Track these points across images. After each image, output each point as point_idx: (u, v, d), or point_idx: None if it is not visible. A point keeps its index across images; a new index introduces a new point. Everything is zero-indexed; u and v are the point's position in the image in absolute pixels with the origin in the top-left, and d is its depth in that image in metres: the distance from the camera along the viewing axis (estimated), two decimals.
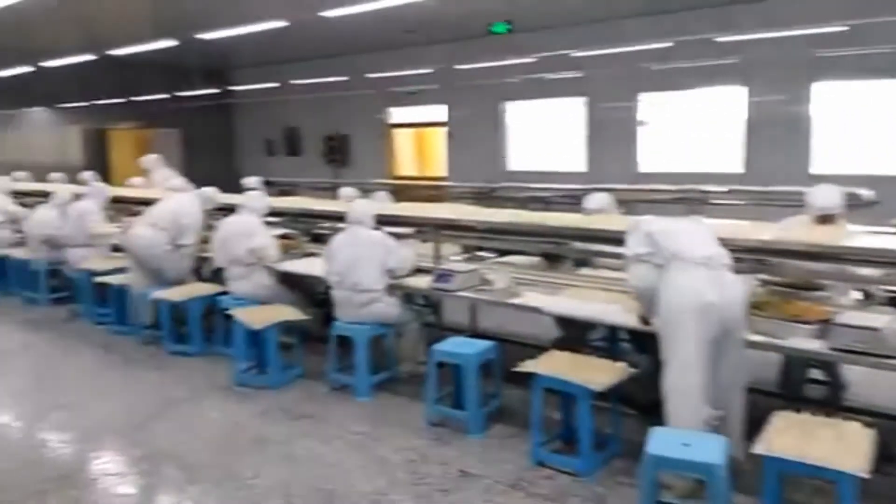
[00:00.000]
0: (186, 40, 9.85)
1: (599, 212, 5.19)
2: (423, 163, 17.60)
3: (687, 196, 8.59)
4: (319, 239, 6.63)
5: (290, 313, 5.08)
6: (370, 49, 15.67)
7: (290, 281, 5.89)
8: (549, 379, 3.65)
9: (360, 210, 4.86)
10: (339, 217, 5.92)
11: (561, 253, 5.08)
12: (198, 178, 9.19)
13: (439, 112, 16.51)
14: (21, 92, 15.30)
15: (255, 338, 5.05)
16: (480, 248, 5.60)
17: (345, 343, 4.81)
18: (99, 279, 6.45)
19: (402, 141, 17.94)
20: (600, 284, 4.57)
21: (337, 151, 18.63)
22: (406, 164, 17.92)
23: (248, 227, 5.53)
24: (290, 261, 5.79)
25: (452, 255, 5.57)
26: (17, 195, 9.03)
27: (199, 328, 5.71)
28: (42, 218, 7.46)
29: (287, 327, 5.14)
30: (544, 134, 15.00)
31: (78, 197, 7.48)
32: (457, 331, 5.54)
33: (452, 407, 4.27)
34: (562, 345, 4.35)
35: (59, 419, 4.50)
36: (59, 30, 12.95)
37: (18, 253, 7.83)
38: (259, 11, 8.47)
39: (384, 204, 6.09)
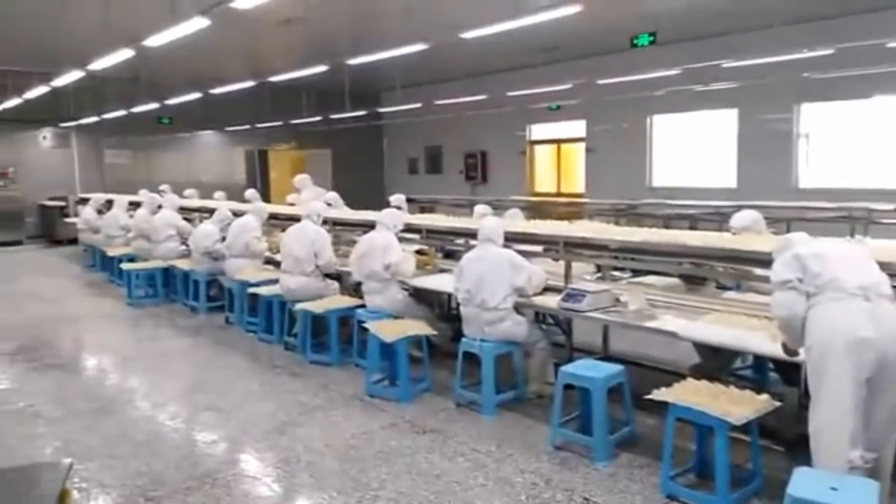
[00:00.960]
0: (337, 66, 10.38)
1: (747, 230, 4.87)
2: (562, 179, 17.39)
3: (851, 214, 7.88)
4: (452, 255, 6.75)
5: (419, 327, 5.17)
6: (510, 67, 15.77)
7: (422, 296, 6.02)
8: (684, 409, 3.44)
9: (489, 227, 4.85)
10: (470, 234, 6.00)
11: (701, 274, 4.80)
12: (346, 195, 9.68)
13: (578, 128, 16.29)
14: (194, 117, 16.86)
15: (387, 350, 5.19)
16: (616, 268, 5.41)
17: (472, 360, 4.82)
18: (251, 290, 6.92)
19: (541, 157, 17.88)
20: (745, 309, 4.26)
21: (475, 169, 18.93)
22: (544, 180, 17.82)
23: (385, 243, 5.70)
24: (423, 276, 5.91)
25: (585, 275, 5.44)
26: (184, 210, 9.91)
27: (337, 339, 5.95)
28: (204, 232, 8.12)
29: (417, 341, 5.23)
30: (691, 148, 14.35)
31: (237, 214, 8.08)
32: (587, 352, 5.40)
33: (579, 431, 4.13)
34: (700, 372, 4.09)
35: (209, 420, 4.84)
36: (225, 60, 14.18)
37: (183, 264, 8.57)
38: (402, 36, 8.78)
39: (515, 221, 6.06)
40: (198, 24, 5.86)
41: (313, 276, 6.35)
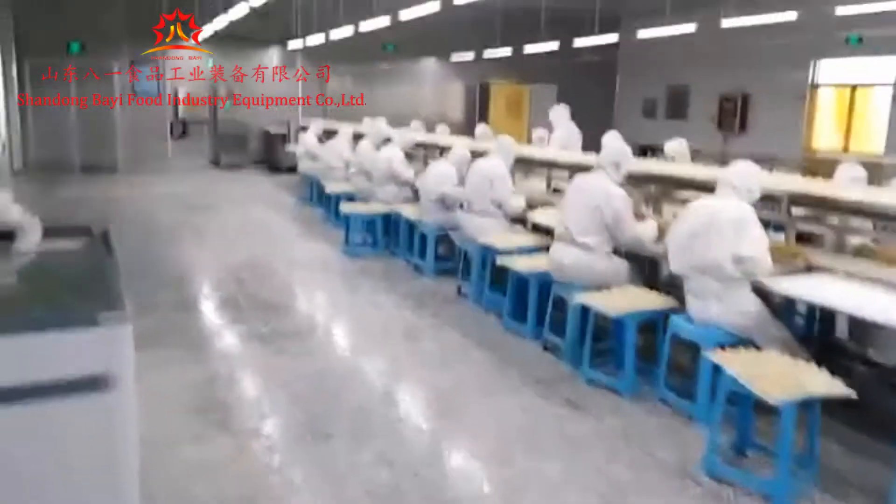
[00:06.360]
0: None
1: None
2: (851, 134, 13.78)
3: None
4: (809, 240, 4.45)
5: (819, 379, 2.96)
6: None
7: (777, 308, 3.84)
8: None
9: None
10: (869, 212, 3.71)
11: None
12: None
13: (885, 68, 12.56)
14: (416, 45, 15.52)
15: (735, 396, 3.15)
16: None
17: None
18: (500, 261, 5.10)
19: (825, 105, 14.31)
20: None
21: (733, 115, 15.76)
22: (823, 134, 14.30)
23: (736, 218, 3.54)
24: (787, 277, 3.68)
25: None
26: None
27: (633, 356, 3.98)
28: (439, 173, 6.47)
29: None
30: None
31: (477, 155, 6.31)
32: None
33: None
34: None
35: (470, 474, 3.14)
36: None
37: (409, 211, 7.01)
38: None
39: None
40: None
41: (599, 253, 4.38)
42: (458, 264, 6.24)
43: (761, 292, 3.63)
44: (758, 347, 3.46)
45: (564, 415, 3.75)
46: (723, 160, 11.56)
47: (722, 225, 3.55)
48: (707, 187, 3.97)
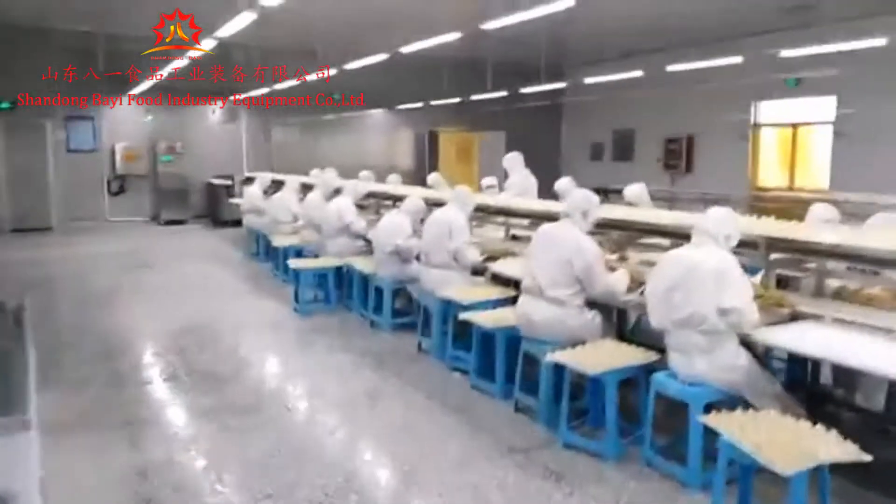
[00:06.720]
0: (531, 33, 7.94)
1: None
2: (795, 171, 14.10)
3: None
4: (785, 284, 4.26)
5: (833, 448, 2.68)
6: (735, 35, 12.72)
7: (763, 360, 3.61)
8: None
9: None
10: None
11: None
12: None
13: (823, 107, 12.95)
14: (362, 95, 15.42)
15: (749, 471, 2.86)
16: None
17: None
18: (464, 316, 4.77)
19: (768, 144, 14.65)
20: None
21: (678, 156, 16.02)
22: (769, 172, 14.60)
23: (718, 269, 3.31)
24: (773, 328, 3.46)
25: None
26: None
27: (615, 416, 3.67)
28: (392, 225, 6.16)
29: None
30: None
31: (434, 205, 6.04)
32: None
33: None
34: None
35: None
36: (400, 27, 12.31)
37: (362, 264, 6.67)
38: None
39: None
40: None
41: (571, 307, 4.10)
42: (417, 319, 5.90)
43: (746, 344, 3.41)
44: (749, 404, 3.23)
45: (547, 488, 3.40)
46: (671, 200, 11.72)
47: (702, 276, 3.31)
48: (678, 234, 3.76)
